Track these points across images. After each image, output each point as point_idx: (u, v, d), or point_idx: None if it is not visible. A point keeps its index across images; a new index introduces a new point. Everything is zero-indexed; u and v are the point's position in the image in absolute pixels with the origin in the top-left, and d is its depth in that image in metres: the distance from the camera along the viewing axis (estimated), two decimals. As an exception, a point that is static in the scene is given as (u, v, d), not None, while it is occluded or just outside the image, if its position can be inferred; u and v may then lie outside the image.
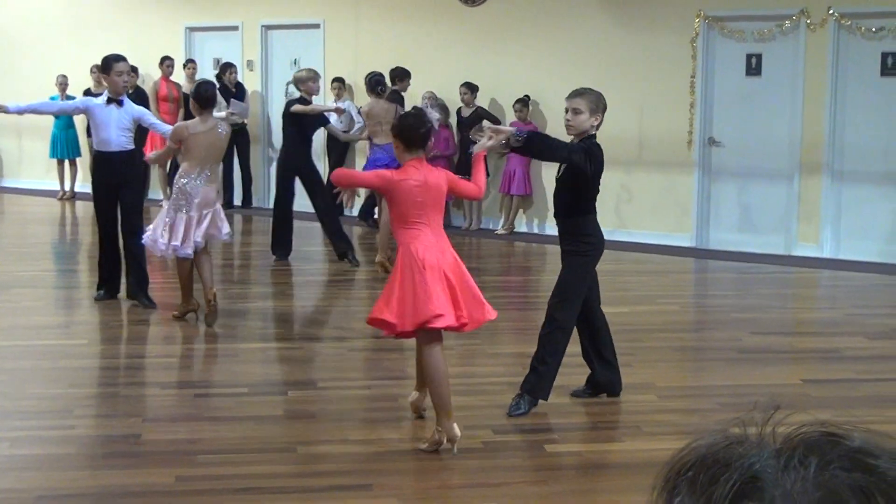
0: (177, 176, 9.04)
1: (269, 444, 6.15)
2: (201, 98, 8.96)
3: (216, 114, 9.30)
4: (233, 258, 13.04)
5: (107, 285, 9.90)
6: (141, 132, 16.06)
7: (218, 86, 15.77)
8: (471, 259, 13.45)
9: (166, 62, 16.48)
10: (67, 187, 17.75)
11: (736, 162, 13.19)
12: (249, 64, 16.76)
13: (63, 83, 17.22)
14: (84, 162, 17.65)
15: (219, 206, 9.12)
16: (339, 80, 15.44)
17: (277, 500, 5.30)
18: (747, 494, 0.91)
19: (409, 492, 5.45)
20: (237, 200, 16.48)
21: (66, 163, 17.72)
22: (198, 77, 16.01)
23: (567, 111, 6.76)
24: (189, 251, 8.84)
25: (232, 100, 15.04)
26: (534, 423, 6.48)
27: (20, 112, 10.01)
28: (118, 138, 9.43)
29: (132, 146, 9.63)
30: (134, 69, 17.08)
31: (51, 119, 17.38)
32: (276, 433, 6.34)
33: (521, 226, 14.67)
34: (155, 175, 17.03)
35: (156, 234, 8.87)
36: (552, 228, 14.32)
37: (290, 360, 8.29)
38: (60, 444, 6.05)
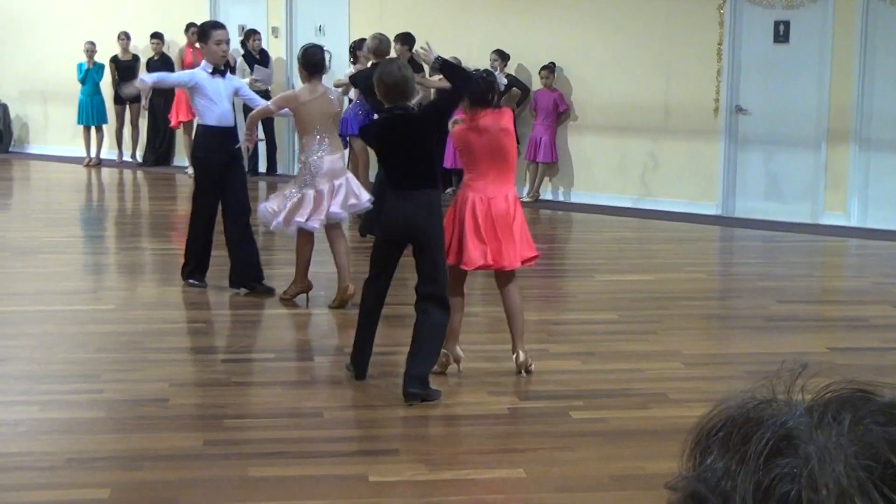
0: (298, 152, 8.72)
1: (296, 409, 6.18)
2: (309, 63, 8.38)
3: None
4: (257, 224, 13.04)
5: (200, 270, 9.08)
6: (166, 95, 16.20)
7: (242, 52, 15.84)
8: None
9: (191, 29, 16.45)
10: (94, 153, 17.80)
11: (763, 130, 13.12)
12: (274, 31, 16.73)
13: (90, 50, 17.25)
14: (110, 129, 17.72)
15: (349, 173, 8.71)
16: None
17: (305, 464, 5.33)
18: (781, 451, 0.91)
19: (436, 457, 5.47)
20: (262, 168, 16.48)
21: (93, 129, 17.76)
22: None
23: None
24: (315, 224, 8.35)
25: (256, 66, 15.02)
26: (559, 390, 6.48)
27: (154, 83, 9.42)
28: (230, 111, 8.85)
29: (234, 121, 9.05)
30: (159, 36, 17.14)
31: (77, 85, 17.42)
32: (303, 398, 6.37)
33: (547, 193, 14.64)
34: (180, 141, 17.06)
35: (274, 206, 8.45)
36: (577, 196, 14.36)
37: (316, 326, 8.32)
38: (89, 408, 6.10)
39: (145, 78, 9.11)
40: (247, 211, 8.94)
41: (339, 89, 8.94)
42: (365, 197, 8.65)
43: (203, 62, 8.95)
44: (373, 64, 12.34)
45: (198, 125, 9.08)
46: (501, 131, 6.56)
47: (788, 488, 0.88)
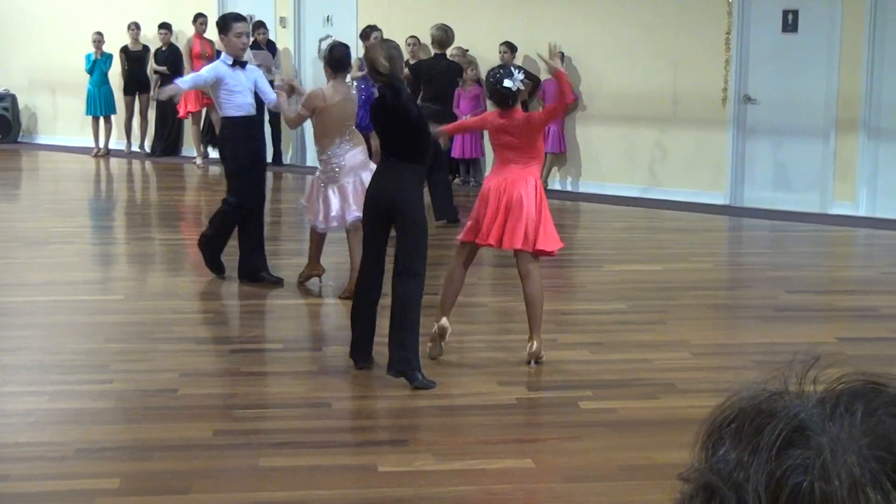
0: (317, 152, 8.63)
1: (305, 399, 6.19)
2: (335, 61, 8.35)
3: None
4: (275, 214, 13.06)
5: (219, 263, 9.03)
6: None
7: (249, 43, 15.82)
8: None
9: (199, 19, 16.47)
10: (102, 144, 17.81)
11: (771, 119, 13.10)
12: (282, 21, 16.72)
13: (98, 41, 17.26)
14: (118, 119, 17.73)
15: (373, 165, 8.41)
16: (415, 38, 15.35)
17: (314, 454, 5.34)
18: (794, 443, 0.91)
19: (445, 447, 5.48)
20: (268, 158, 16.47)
21: (101, 120, 17.77)
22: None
23: None
24: (356, 215, 8.07)
25: (252, 51, 14.96)
26: (568, 381, 6.49)
27: (188, 89, 9.53)
28: (253, 101, 8.83)
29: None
30: (167, 26, 17.14)
31: (85, 76, 17.44)
32: (312, 388, 6.38)
33: (555, 183, 14.63)
34: (188, 132, 17.09)
35: (309, 215, 8.55)
36: (585, 186, 14.35)
37: (325, 316, 8.34)
38: (98, 399, 6.12)
39: (181, 83, 9.08)
40: (262, 201, 9.03)
41: (356, 84, 8.94)
42: None
43: (223, 54, 8.99)
44: (436, 54, 12.38)
45: (222, 119, 9.00)
46: (516, 128, 6.75)
47: (801, 479, 0.89)
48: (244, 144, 8.76)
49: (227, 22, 8.90)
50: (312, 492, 4.90)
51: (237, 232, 8.96)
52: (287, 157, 16.75)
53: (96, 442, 5.47)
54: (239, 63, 8.78)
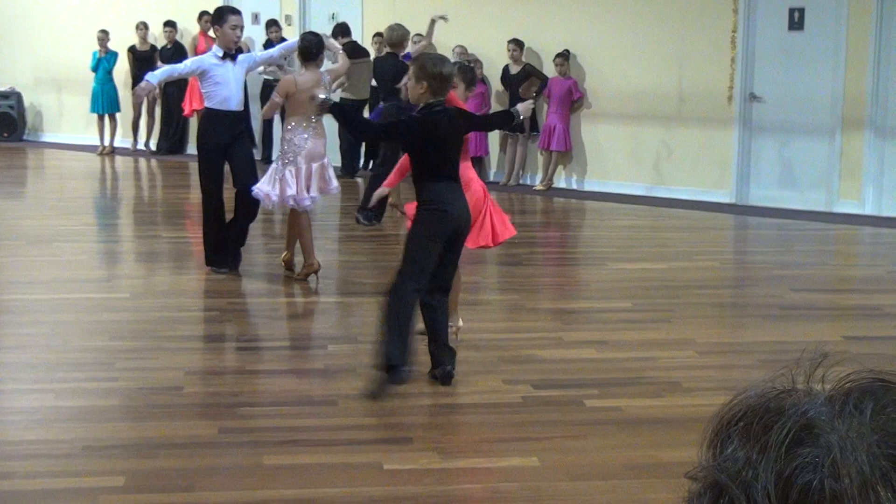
0: (283, 130, 8.98)
1: (310, 397, 6.19)
2: (304, 51, 8.80)
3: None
4: (273, 212, 13.06)
5: (220, 254, 9.16)
6: (179, 84, 16.18)
7: (264, 41, 15.82)
8: (510, 214, 13.44)
9: (205, 17, 16.45)
10: (107, 142, 17.82)
11: (777, 117, 13.08)
12: (287, 18, 16.73)
13: (103, 39, 17.27)
14: (123, 117, 17.74)
15: (327, 159, 8.96)
16: (379, 35, 15.39)
17: (319, 452, 5.34)
18: (803, 441, 0.91)
19: (450, 445, 5.48)
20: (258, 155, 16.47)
21: (106, 117, 17.78)
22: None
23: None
24: (308, 203, 8.76)
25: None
26: (573, 379, 6.48)
27: (160, 81, 9.45)
28: (237, 95, 8.99)
29: (245, 104, 9.21)
30: (172, 24, 17.15)
31: (90, 74, 17.45)
32: (317, 387, 6.38)
33: (560, 182, 14.63)
34: (193, 130, 17.07)
35: (266, 188, 8.73)
36: (591, 184, 14.34)
37: (330, 314, 8.33)
38: (104, 396, 6.12)
39: (150, 78, 9.08)
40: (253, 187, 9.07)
41: (331, 76, 9.08)
42: (334, 184, 9.01)
43: (214, 46, 9.10)
44: (388, 53, 12.45)
45: (204, 108, 9.28)
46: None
47: (811, 477, 0.88)
48: (214, 136, 8.90)
49: (222, 14, 9.12)
50: (318, 490, 4.89)
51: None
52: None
53: (101, 440, 5.47)
54: (229, 55, 8.89)
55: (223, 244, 9.12)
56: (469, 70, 7.30)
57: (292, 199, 8.70)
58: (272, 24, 15.97)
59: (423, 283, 6.13)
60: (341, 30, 14.12)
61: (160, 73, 9.22)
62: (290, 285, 8.93)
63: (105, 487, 4.88)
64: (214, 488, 4.90)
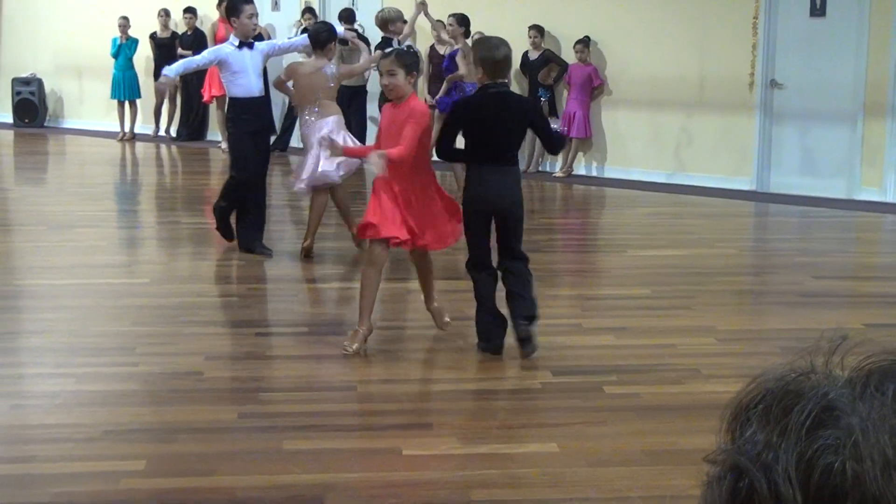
0: (300, 124, 9.38)
1: (329, 382, 6.21)
2: (312, 37, 9.10)
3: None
4: (297, 199, 13.08)
5: (230, 229, 9.45)
6: (199, 72, 16.16)
7: (301, 29, 15.79)
8: (530, 201, 13.44)
9: (224, 3, 16.44)
10: (127, 128, 17.87)
11: (798, 104, 13.02)
12: (309, 10, 16.68)
13: (124, 25, 17.29)
14: (144, 103, 17.77)
15: (345, 132, 9.10)
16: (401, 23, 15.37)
17: (338, 438, 5.35)
18: (824, 423, 0.90)
19: (469, 431, 5.48)
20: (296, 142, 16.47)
21: (126, 104, 17.82)
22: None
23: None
24: (335, 174, 8.98)
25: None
26: (592, 365, 6.48)
27: (179, 73, 9.52)
28: (258, 82, 9.15)
29: (266, 90, 9.45)
30: (192, 11, 17.15)
31: (111, 60, 17.49)
32: (336, 372, 6.40)
33: (580, 168, 14.60)
34: (213, 116, 17.11)
35: (304, 181, 9.08)
36: (611, 171, 14.31)
37: (349, 300, 8.33)
38: (125, 381, 6.14)
39: (168, 72, 9.24)
40: (262, 180, 9.42)
41: (333, 65, 9.20)
42: (341, 170, 9.05)
43: (231, 36, 9.27)
44: (383, 37, 12.32)
45: (228, 99, 9.44)
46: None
47: (832, 460, 0.88)
48: (244, 125, 9.10)
49: (236, 4, 9.17)
50: (337, 475, 4.90)
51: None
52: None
53: (122, 424, 5.50)
54: (246, 44, 9.07)
55: (228, 223, 9.46)
56: (410, 55, 7.04)
57: (323, 174, 8.90)
58: (307, 12, 15.95)
59: (480, 259, 6.58)
60: (346, 15, 14.10)
61: (178, 66, 9.31)
62: (310, 271, 8.95)
63: (126, 471, 4.91)
64: (234, 473, 4.92)
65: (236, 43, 9.06)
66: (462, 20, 13.22)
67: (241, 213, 9.36)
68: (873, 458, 0.87)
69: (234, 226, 9.47)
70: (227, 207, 9.42)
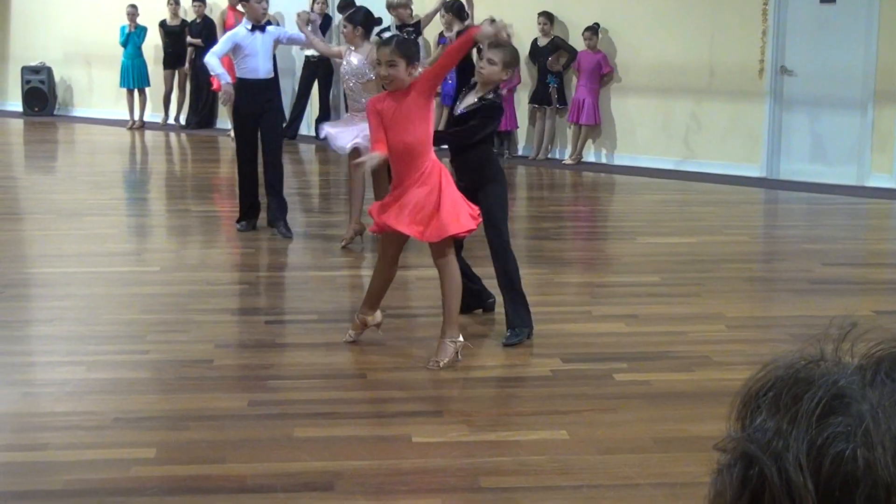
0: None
1: (339, 370, 6.21)
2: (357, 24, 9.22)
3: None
4: (308, 187, 13.09)
5: (248, 216, 9.86)
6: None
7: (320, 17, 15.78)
8: (540, 188, 13.42)
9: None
10: (137, 117, 17.88)
11: (808, 91, 12.98)
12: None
13: (132, 13, 17.28)
14: (153, 92, 17.78)
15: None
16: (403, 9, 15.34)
17: (349, 425, 5.36)
18: (834, 410, 0.91)
19: (479, 418, 5.48)
20: (306, 130, 16.48)
21: (136, 92, 17.83)
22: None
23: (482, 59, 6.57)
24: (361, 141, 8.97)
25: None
26: (602, 353, 6.48)
27: (224, 72, 9.59)
28: (264, 65, 9.51)
29: (273, 74, 9.69)
30: (202, -2, 17.14)
31: (120, 49, 17.49)
32: (346, 360, 6.40)
33: (590, 156, 14.58)
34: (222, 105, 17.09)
35: (345, 140, 9.13)
36: (620, 158, 14.29)
37: (359, 287, 8.34)
38: (135, 369, 6.16)
39: (215, 70, 9.54)
40: (278, 162, 9.69)
41: (358, 54, 9.21)
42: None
43: (244, 19, 9.59)
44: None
45: (236, 79, 9.68)
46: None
47: (843, 447, 0.88)
48: (247, 105, 9.50)
49: None
50: (347, 462, 4.91)
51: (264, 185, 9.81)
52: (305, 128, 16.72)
53: (133, 412, 5.51)
54: (259, 27, 9.40)
55: (254, 209, 9.82)
56: (411, 44, 6.78)
57: (362, 136, 8.75)
58: None
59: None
60: (347, 1, 14.11)
61: (214, 65, 9.52)
62: (320, 259, 8.96)
63: (136, 459, 4.92)
64: (244, 460, 4.93)
65: (249, 26, 9.41)
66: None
67: (267, 195, 9.76)
68: (884, 444, 0.87)
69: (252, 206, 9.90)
70: (242, 196, 9.85)
